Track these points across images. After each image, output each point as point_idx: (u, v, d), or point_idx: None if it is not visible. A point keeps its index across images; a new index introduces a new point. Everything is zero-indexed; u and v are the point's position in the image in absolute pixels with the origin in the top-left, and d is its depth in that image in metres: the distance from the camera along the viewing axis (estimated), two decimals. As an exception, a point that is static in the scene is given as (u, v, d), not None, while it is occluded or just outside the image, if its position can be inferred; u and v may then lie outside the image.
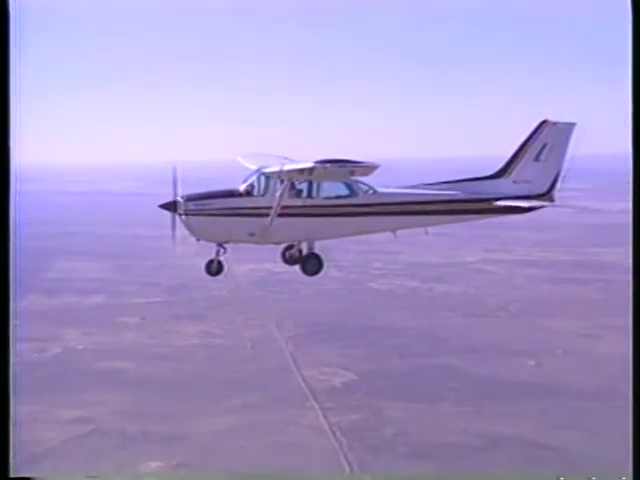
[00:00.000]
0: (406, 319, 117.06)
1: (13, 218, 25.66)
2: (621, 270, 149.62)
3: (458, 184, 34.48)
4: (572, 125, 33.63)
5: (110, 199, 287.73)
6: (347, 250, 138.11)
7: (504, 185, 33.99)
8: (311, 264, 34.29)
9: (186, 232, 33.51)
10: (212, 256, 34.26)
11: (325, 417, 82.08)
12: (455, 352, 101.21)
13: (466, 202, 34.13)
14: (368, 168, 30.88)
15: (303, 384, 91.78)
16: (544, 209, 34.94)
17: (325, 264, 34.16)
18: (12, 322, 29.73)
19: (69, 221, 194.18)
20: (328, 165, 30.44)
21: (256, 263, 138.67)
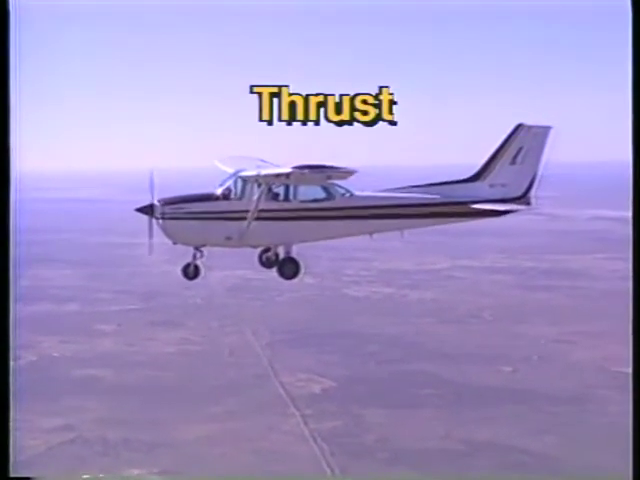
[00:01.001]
0: (381, 325, 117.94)
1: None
2: (589, 277, 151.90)
3: (435, 187, 34.75)
4: (547, 129, 33.97)
5: (80, 206, 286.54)
6: (319, 257, 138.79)
7: (480, 189, 34.22)
8: (288, 268, 34.58)
9: (159, 239, 33.61)
10: (189, 260, 34.27)
11: (305, 424, 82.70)
12: (431, 358, 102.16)
13: (442, 205, 34.36)
14: (345, 173, 31.33)
15: (282, 391, 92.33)
16: (511, 215, 35.28)
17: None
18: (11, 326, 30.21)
19: (40, 228, 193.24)
20: (306, 170, 30.75)
21: (229, 270, 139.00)
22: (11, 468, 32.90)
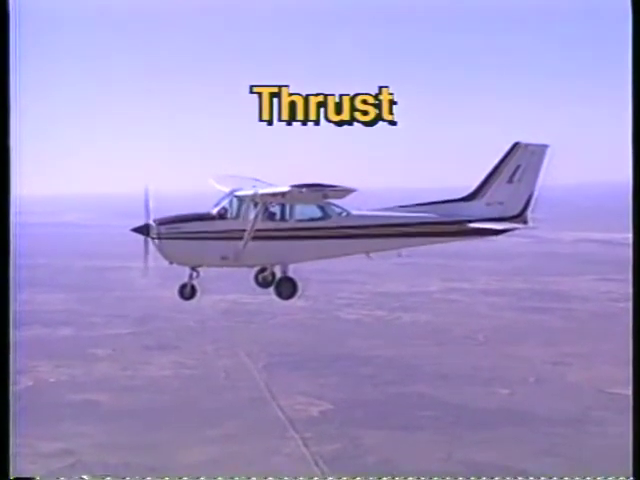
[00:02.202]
0: (376, 348, 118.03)
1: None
2: (580, 299, 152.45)
3: (431, 206, 34.77)
4: (545, 147, 33.99)
5: (70, 231, 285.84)
6: (310, 280, 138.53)
7: (477, 207, 34.16)
8: (286, 287, 34.78)
9: (153, 262, 33.63)
10: (184, 280, 34.35)
11: (306, 446, 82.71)
12: (428, 380, 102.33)
13: (440, 224, 34.28)
14: (343, 192, 31.49)
15: (280, 413, 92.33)
16: (501, 237, 35.23)
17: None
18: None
19: (30, 253, 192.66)
20: (303, 189, 30.83)
21: (221, 294, 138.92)
22: (11, 469, 33.02)
